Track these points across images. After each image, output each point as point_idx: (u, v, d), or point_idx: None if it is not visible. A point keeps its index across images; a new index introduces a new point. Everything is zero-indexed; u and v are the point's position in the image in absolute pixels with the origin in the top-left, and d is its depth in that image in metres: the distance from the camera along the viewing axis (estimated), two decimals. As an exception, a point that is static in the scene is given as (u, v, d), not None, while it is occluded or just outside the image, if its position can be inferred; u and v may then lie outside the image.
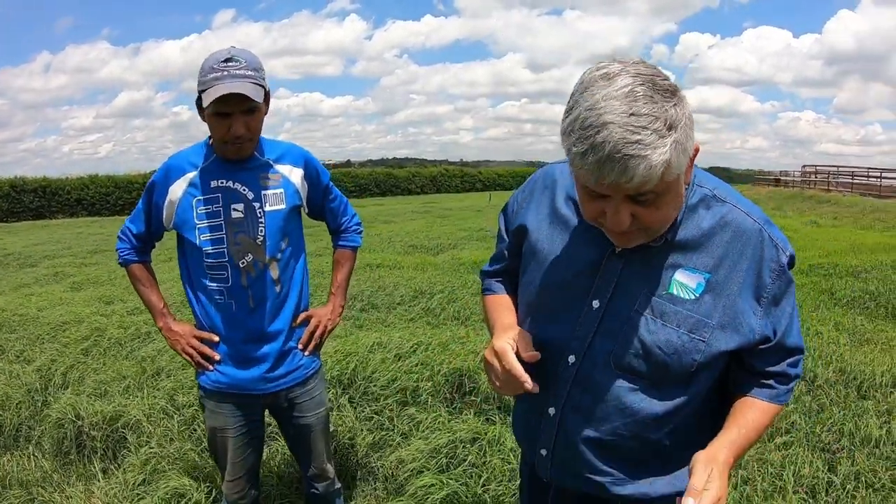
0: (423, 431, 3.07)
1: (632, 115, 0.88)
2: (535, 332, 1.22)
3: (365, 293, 6.65)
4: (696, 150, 0.99)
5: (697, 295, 1.09)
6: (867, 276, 6.91)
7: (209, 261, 1.88)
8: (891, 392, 3.64)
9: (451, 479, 2.57)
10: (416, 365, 3.83)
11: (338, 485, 2.33)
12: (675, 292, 1.10)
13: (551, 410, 1.21)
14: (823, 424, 3.22)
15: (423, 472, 2.68)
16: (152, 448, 2.96)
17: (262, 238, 1.90)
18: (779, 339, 1.13)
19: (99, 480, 2.69)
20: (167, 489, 2.55)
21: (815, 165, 29.56)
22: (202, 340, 1.95)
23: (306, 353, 2.06)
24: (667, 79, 0.93)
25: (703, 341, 1.09)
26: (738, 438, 1.10)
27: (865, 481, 2.64)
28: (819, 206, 19.82)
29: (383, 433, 3.23)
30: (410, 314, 5.73)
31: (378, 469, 2.93)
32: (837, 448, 2.94)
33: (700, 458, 1.03)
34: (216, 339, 1.95)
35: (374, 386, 3.69)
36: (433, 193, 43.76)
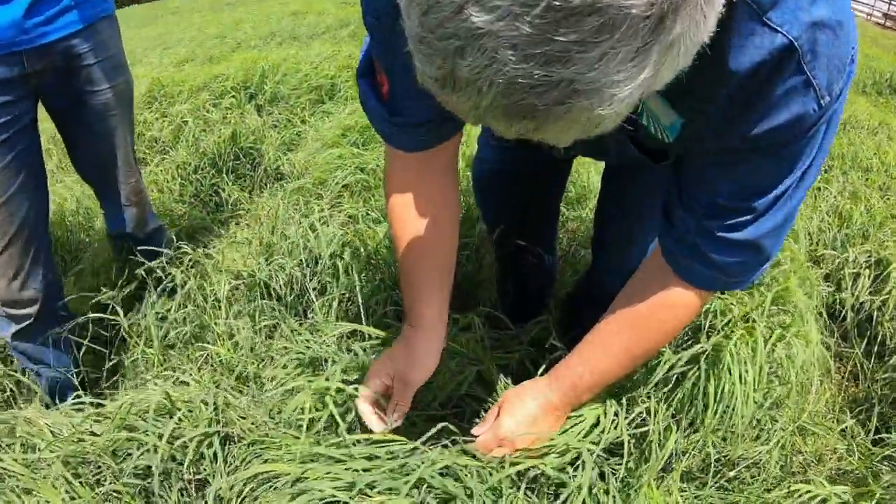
0: (340, 118, 2.49)
1: None
2: None
3: (285, 29, 5.77)
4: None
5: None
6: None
7: None
8: (875, 133, 3.26)
9: (365, 151, 2.01)
10: (335, 67, 3.18)
11: (159, 222, 1.75)
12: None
13: None
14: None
15: (335, 146, 2.12)
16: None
17: None
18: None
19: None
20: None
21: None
22: None
23: None
24: None
25: None
26: (578, 380, 0.94)
27: (858, 195, 2.26)
28: None
29: (293, 129, 2.65)
30: (336, 39, 4.94)
31: (286, 170, 2.40)
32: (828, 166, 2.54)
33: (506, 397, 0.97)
34: None
35: (285, 88, 3.04)
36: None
